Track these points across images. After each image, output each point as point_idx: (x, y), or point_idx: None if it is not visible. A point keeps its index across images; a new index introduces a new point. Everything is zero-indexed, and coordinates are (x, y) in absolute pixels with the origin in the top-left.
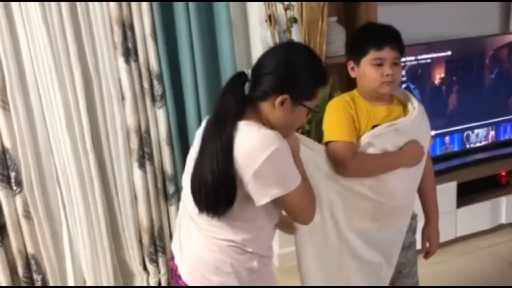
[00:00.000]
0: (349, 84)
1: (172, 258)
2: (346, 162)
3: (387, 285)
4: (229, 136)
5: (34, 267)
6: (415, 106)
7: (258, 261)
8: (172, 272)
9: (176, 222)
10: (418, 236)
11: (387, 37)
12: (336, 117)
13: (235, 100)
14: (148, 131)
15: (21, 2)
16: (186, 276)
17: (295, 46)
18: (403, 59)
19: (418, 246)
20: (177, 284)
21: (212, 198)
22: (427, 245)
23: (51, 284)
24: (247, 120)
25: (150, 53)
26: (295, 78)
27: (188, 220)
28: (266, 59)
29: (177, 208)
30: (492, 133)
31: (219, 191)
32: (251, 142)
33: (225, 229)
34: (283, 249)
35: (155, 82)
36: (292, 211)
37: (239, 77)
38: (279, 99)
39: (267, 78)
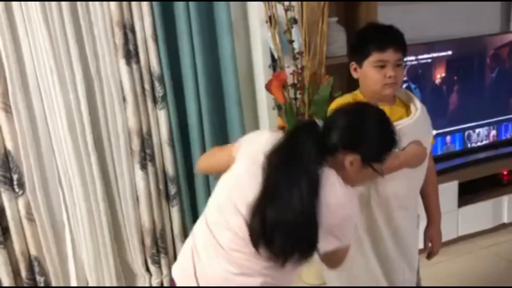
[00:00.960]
0: (350, 84)
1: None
2: None
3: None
4: (316, 179)
5: (37, 269)
6: (417, 106)
7: None
8: None
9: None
10: (420, 237)
11: (390, 39)
12: None
13: (315, 144)
14: (149, 133)
15: (22, 4)
16: None
17: (370, 109)
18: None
19: (420, 246)
20: None
21: (292, 241)
22: (430, 245)
23: (53, 285)
24: (329, 167)
25: (151, 54)
26: (368, 141)
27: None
28: (340, 117)
29: (179, 209)
30: (493, 132)
31: (302, 235)
32: (340, 198)
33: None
34: None
35: (156, 84)
36: (331, 260)
37: (313, 124)
38: (350, 158)
39: (340, 135)
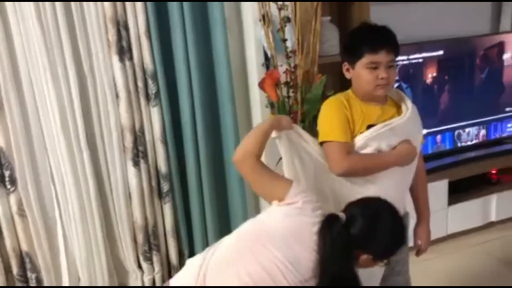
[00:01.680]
0: (342, 83)
1: None
2: (340, 162)
3: (378, 283)
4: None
5: (28, 265)
6: (408, 106)
7: None
8: None
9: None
10: (410, 234)
11: (383, 40)
12: (331, 117)
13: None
14: (142, 130)
15: (15, 1)
16: None
17: (384, 210)
18: None
19: (410, 244)
20: None
21: None
22: (419, 242)
23: (45, 282)
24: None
25: (144, 51)
26: (381, 243)
27: None
28: (360, 216)
29: (172, 206)
30: (483, 131)
31: None
32: None
33: None
34: None
35: (150, 81)
36: None
37: (336, 219)
38: (363, 257)
39: (357, 237)
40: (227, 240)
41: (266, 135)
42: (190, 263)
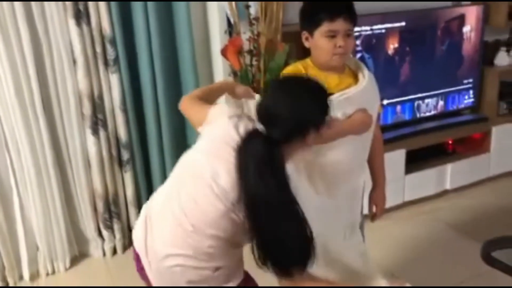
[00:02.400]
0: (306, 52)
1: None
2: None
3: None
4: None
5: None
6: (365, 75)
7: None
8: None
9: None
10: (365, 201)
11: (340, 9)
12: None
13: (266, 152)
14: (101, 97)
15: None
16: None
17: (302, 83)
18: (358, 29)
19: (365, 211)
20: None
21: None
22: (374, 208)
23: (2, 251)
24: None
25: (102, 15)
26: (311, 119)
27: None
28: (279, 104)
29: (133, 175)
30: (441, 103)
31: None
32: None
33: None
34: None
35: (108, 46)
36: None
37: (256, 133)
38: (310, 140)
39: (282, 131)
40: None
41: (212, 89)
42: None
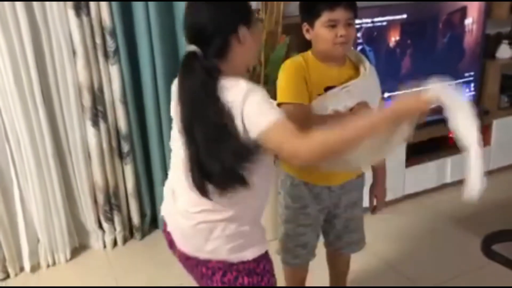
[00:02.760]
0: (306, 44)
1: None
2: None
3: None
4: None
5: None
6: (366, 67)
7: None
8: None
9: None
10: (366, 193)
11: None
12: (288, 78)
13: (203, 73)
14: (101, 89)
15: None
16: None
17: None
18: (359, 21)
19: (365, 204)
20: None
21: (222, 159)
22: (375, 201)
23: (3, 243)
24: (226, 73)
25: (102, 6)
26: (228, 15)
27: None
28: (200, 17)
29: (133, 167)
30: None
31: (226, 148)
32: (242, 89)
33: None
34: None
35: (108, 38)
36: (275, 145)
37: (191, 55)
38: (241, 34)
39: (213, 32)
40: None
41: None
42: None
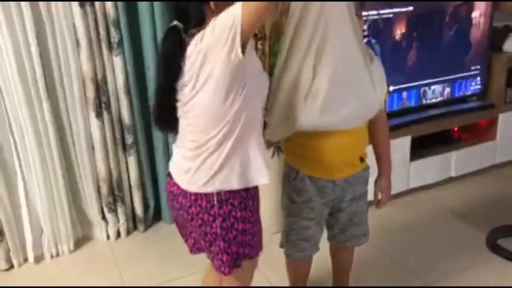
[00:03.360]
0: None
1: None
2: None
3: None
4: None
5: None
6: (372, 59)
7: None
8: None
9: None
10: (371, 187)
11: None
12: None
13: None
14: (104, 80)
15: None
16: None
17: None
18: (365, 13)
19: (370, 197)
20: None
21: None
22: (379, 195)
23: (7, 234)
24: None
25: None
26: None
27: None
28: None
29: (136, 158)
30: (447, 89)
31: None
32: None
33: None
34: None
35: (112, 28)
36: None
37: (173, 29)
38: (211, 5)
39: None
40: None
41: None
42: None
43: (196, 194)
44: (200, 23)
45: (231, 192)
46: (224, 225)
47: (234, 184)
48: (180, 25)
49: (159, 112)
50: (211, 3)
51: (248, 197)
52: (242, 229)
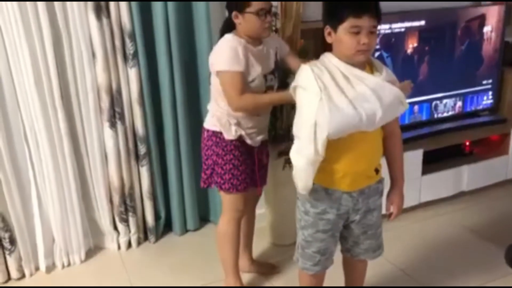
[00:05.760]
0: (324, 49)
1: None
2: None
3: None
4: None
5: (1, 225)
6: (382, 73)
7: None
8: None
9: None
10: (384, 200)
11: (366, 5)
12: None
13: (222, 29)
14: (119, 90)
15: None
16: None
17: None
18: (377, 27)
19: (383, 210)
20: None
21: None
22: (391, 208)
23: (19, 242)
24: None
25: (122, 10)
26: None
27: None
28: None
29: (149, 168)
30: (459, 103)
31: None
32: (218, 46)
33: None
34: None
35: (127, 40)
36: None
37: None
38: (233, 16)
39: (227, 8)
40: None
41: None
42: None
43: (203, 127)
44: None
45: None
46: (206, 153)
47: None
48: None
49: None
50: (233, 15)
51: (224, 140)
52: (215, 160)
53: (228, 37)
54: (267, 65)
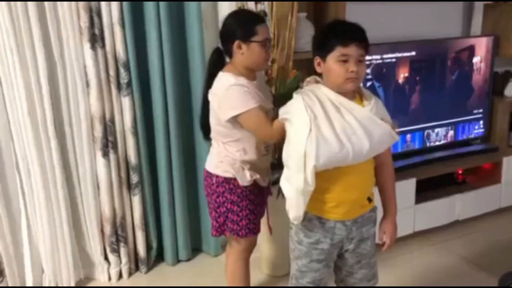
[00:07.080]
0: None
1: None
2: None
3: None
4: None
5: None
6: (371, 102)
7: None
8: None
9: None
10: (377, 229)
11: (353, 34)
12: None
13: (213, 61)
14: (112, 120)
15: None
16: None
17: (232, 11)
18: (369, 58)
19: (376, 240)
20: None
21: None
22: (384, 237)
23: (7, 273)
24: (227, 70)
25: (117, 40)
26: (236, 26)
27: None
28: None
29: (141, 198)
30: (451, 132)
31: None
32: (221, 83)
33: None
34: None
35: (122, 70)
36: (248, 126)
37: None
38: (234, 45)
39: (222, 37)
40: None
41: None
42: None
43: (207, 171)
44: (230, 54)
45: (226, 178)
46: (218, 200)
47: (230, 174)
48: (221, 47)
49: (202, 118)
50: (235, 45)
51: (238, 186)
52: (229, 207)
53: (227, 79)
54: (269, 97)
